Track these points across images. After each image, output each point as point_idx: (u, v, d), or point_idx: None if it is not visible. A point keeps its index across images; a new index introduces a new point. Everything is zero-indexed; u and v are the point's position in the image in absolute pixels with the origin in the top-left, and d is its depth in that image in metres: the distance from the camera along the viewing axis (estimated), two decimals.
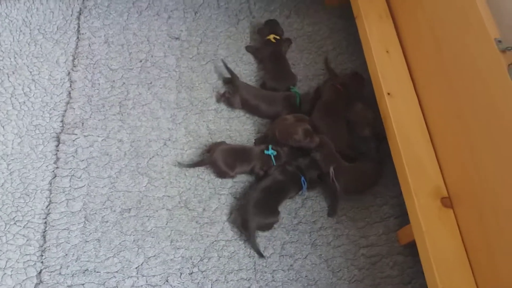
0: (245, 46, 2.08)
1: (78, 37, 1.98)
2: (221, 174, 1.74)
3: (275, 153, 1.74)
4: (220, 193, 1.75)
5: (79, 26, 2.01)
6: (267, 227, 1.69)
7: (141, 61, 1.97)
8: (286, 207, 1.75)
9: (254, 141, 1.86)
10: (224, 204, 1.73)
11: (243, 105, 1.88)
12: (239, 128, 1.89)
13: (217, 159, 1.70)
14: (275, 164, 1.74)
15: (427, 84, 1.75)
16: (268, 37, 2.02)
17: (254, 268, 1.64)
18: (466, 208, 1.52)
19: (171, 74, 1.97)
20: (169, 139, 1.83)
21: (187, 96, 1.93)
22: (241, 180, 1.78)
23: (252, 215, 1.62)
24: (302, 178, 1.73)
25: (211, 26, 2.11)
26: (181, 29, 2.08)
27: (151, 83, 1.93)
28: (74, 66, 1.91)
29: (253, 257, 1.65)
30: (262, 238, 1.69)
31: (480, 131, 1.45)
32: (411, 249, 1.71)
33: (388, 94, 1.78)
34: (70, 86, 1.88)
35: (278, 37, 2.03)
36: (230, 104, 1.89)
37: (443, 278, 1.43)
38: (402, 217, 1.78)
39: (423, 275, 1.64)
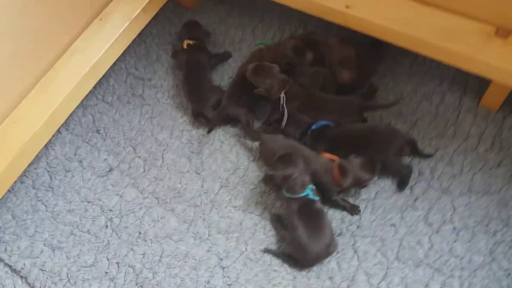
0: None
1: None
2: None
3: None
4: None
5: None
6: None
7: (106, 227, 1.45)
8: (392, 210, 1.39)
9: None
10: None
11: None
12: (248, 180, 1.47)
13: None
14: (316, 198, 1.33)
15: None
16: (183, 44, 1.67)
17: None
18: None
19: (145, 203, 1.48)
20: (221, 261, 1.36)
21: (184, 206, 1.46)
22: None
23: None
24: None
25: (122, 122, 1.64)
26: (104, 158, 1.58)
27: (141, 234, 1.43)
28: None
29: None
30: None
31: None
32: (505, 107, 1.46)
33: (347, 6, 1.46)
34: None
35: (191, 43, 1.65)
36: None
37: None
38: (468, 91, 1.52)
39: None
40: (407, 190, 1.39)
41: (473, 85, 1.52)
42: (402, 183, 1.40)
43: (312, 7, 1.52)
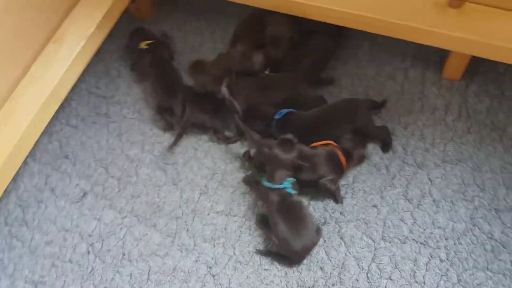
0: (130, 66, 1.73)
1: None
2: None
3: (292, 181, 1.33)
4: None
5: None
6: None
7: (88, 253, 1.41)
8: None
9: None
10: None
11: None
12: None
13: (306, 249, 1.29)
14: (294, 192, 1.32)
15: None
16: (139, 47, 1.66)
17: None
18: None
19: (125, 223, 1.45)
20: (210, 269, 1.34)
21: (165, 219, 1.44)
22: None
23: None
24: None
25: (90, 143, 1.60)
26: (76, 183, 1.54)
27: (125, 255, 1.40)
28: None
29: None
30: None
31: None
32: (467, 76, 1.49)
33: None
34: None
35: (150, 41, 1.66)
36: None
37: None
38: (430, 65, 1.55)
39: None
40: (383, 170, 1.41)
41: (434, 58, 1.55)
42: (385, 145, 1.42)
43: (270, 2, 1.52)
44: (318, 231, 1.30)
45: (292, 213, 1.28)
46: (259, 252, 1.33)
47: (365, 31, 1.56)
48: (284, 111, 1.44)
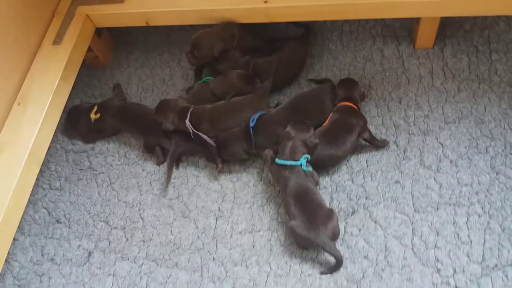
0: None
1: None
2: None
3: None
4: None
5: None
6: None
7: None
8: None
9: None
10: None
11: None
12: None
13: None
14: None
15: None
16: (91, 119, 1.55)
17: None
18: None
19: (143, 270, 1.32)
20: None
21: (186, 255, 1.32)
22: None
23: None
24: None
25: (81, 201, 1.47)
26: (78, 244, 1.40)
27: None
28: None
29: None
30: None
31: None
32: (438, 41, 1.54)
33: (266, 1, 1.47)
34: None
35: (94, 108, 1.56)
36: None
37: None
38: (401, 40, 1.59)
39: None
40: (392, 146, 1.39)
41: (402, 33, 1.60)
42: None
43: (231, 14, 1.51)
44: (331, 214, 1.22)
45: (304, 199, 1.23)
46: (325, 272, 1.22)
47: (330, 24, 1.59)
48: (255, 116, 1.41)
